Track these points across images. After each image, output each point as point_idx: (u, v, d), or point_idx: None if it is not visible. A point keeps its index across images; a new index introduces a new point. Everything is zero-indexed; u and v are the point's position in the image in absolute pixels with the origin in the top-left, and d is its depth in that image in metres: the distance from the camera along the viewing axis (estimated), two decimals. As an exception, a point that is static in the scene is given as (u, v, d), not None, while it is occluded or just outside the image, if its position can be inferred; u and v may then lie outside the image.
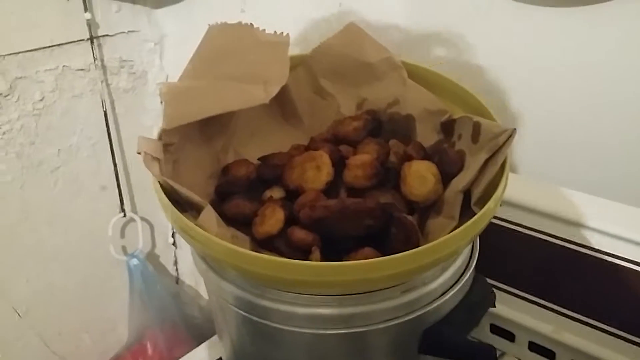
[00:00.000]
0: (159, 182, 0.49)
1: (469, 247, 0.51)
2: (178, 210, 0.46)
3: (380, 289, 0.45)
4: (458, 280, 0.49)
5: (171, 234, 0.99)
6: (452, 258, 0.48)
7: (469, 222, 0.43)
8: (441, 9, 0.75)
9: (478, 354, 0.46)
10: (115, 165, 0.83)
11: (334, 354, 0.48)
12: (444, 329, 0.47)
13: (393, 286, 0.45)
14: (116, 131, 0.83)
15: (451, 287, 0.48)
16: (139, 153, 0.50)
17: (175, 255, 1.01)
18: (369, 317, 0.46)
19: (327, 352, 0.48)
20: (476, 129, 0.52)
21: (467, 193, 0.49)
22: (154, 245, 0.96)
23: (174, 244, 1.00)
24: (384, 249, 0.47)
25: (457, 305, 0.49)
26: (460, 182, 0.49)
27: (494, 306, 0.52)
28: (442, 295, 0.48)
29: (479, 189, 0.47)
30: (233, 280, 0.48)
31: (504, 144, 0.47)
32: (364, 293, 0.45)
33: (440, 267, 0.47)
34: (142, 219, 0.90)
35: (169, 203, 0.47)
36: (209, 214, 0.47)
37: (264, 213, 0.51)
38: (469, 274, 0.50)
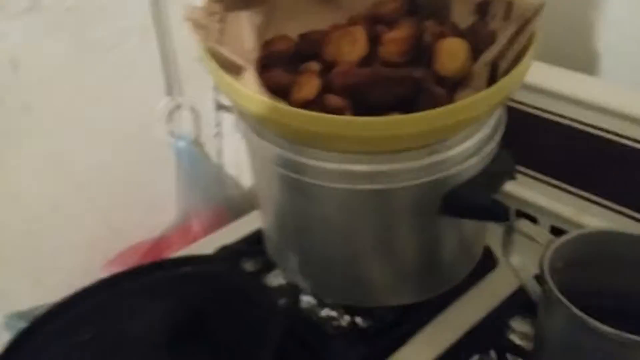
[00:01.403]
0: (205, 46, 0.52)
1: (495, 119, 0.54)
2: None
3: (406, 150, 0.49)
4: (481, 149, 0.52)
5: (215, 123, 1.04)
6: (475, 124, 0.51)
7: (491, 88, 0.46)
8: None
9: (494, 212, 0.50)
10: (162, 49, 0.87)
11: (361, 209, 0.53)
12: (463, 192, 0.51)
13: (418, 148, 0.49)
14: (164, 15, 0.86)
15: (474, 154, 0.52)
16: (186, 20, 0.54)
17: (220, 145, 1.06)
18: (395, 175, 0.50)
19: (356, 207, 0.53)
20: (509, 7, 0.53)
21: (495, 67, 0.52)
22: (199, 133, 1.01)
23: (218, 134, 1.05)
24: (413, 116, 0.50)
25: (478, 173, 0.52)
26: (488, 54, 0.51)
27: (514, 178, 0.55)
28: (464, 161, 0.51)
29: (505, 62, 0.50)
30: (273, 140, 0.53)
31: (531, 17, 0.49)
32: (391, 153, 0.49)
33: (464, 133, 0.50)
34: (190, 106, 0.95)
35: (215, 64, 0.51)
36: (252, 76, 0.51)
37: (300, 81, 0.55)
38: (492, 145, 0.53)
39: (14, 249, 0.87)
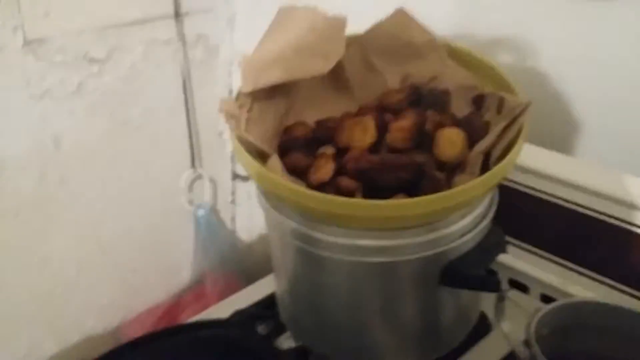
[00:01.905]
0: (236, 135, 0.60)
1: (488, 200, 0.61)
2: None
3: (410, 227, 0.56)
4: (476, 226, 0.59)
5: (231, 192, 1.11)
6: (471, 205, 0.58)
7: (485, 175, 0.54)
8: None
9: (487, 284, 0.56)
10: (189, 126, 0.96)
11: (369, 279, 0.59)
12: (459, 265, 0.57)
13: (420, 225, 0.56)
14: (191, 97, 0.95)
15: (469, 231, 0.58)
16: (221, 111, 0.62)
17: (233, 212, 1.14)
18: (399, 250, 0.56)
19: (364, 277, 0.59)
20: (501, 102, 0.61)
21: (488, 155, 0.59)
22: (216, 201, 1.09)
23: (232, 201, 1.12)
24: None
25: (473, 247, 0.59)
26: (481, 145, 0.59)
27: (505, 251, 0.62)
28: (461, 237, 0.58)
29: (496, 151, 0.57)
30: (291, 217, 0.60)
31: (520, 113, 0.57)
32: (397, 229, 0.56)
33: (461, 213, 0.57)
34: (209, 176, 1.03)
35: (244, 151, 0.58)
36: (275, 161, 0.59)
37: (317, 164, 0.62)
38: (485, 222, 0.60)
39: (40, 309, 0.92)
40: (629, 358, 0.55)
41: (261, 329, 0.74)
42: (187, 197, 1.01)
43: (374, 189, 0.59)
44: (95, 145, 0.88)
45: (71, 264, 0.94)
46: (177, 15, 0.89)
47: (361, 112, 0.70)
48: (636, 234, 0.64)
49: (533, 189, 0.71)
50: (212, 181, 1.07)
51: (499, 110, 0.61)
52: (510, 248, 0.74)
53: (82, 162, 0.88)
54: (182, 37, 0.91)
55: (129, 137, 0.91)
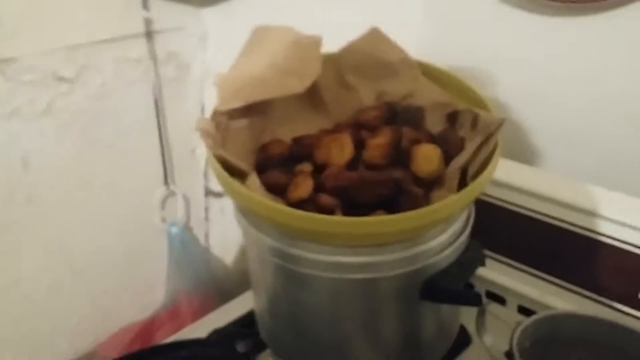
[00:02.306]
0: (213, 153, 0.60)
1: (465, 215, 0.62)
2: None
3: (389, 243, 0.56)
4: (454, 241, 0.60)
5: (204, 209, 1.10)
6: (449, 221, 0.59)
7: (462, 192, 0.54)
8: (453, 18, 0.85)
9: (469, 298, 0.57)
10: (161, 144, 0.95)
11: (349, 296, 0.60)
12: (439, 280, 0.58)
13: (400, 241, 0.56)
14: (162, 115, 0.94)
15: (448, 246, 0.59)
16: (197, 130, 0.61)
17: (207, 229, 1.12)
18: (380, 266, 0.57)
19: (345, 294, 0.59)
20: (475, 119, 0.63)
21: (465, 171, 0.60)
22: (189, 218, 1.07)
23: (206, 218, 1.11)
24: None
25: (452, 262, 0.60)
26: (458, 161, 0.60)
27: (484, 265, 0.63)
28: (440, 252, 0.59)
29: (473, 167, 0.58)
30: (270, 234, 0.60)
31: (495, 130, 0.58)
32: (376, 246, 0.56)
33: (440, 228, 0.58)
34: (182, 193, 1.02)
35: (221, 169, 0.58)
36: (254, 179, 0.58)
37: (296, 181, 0.62)
38: (463, 237, 0.61)
39: (10, 333, 0.90)
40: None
41: (241, 347, 0.73)
42: (160, 215, 1.00)
43: (353, 205, 0.60)
44: (65, 165, 0.86)
45: (41, 286, 0.92)
46: (148, 33, 0.88)
47: (337, 129, 0.70)
48: (607, 244, 0.66)
49: (508, 202, 0.73)
50: (185, 198, 1.06)
51: (473, 126, 0.63)
52: (488, 261, 0.75)
53: (52, 182, 0.86)
54: (153, 55, 0.90)
55: (100, 156, 0.90)
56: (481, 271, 0.74)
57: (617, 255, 0.65)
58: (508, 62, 0.80)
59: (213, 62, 0.99)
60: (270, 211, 0.55)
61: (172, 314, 1.04)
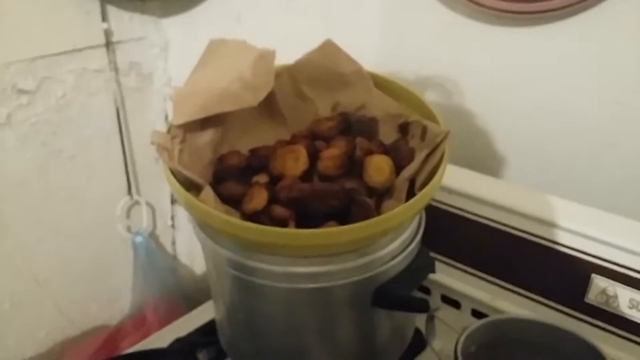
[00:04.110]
0: (168, 167, 0.61)
1: (415, 223, 0.64)
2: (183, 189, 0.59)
3: (341, 253, 0.58)
4: (404, 249, 0.62)
5: (170, 217, 1.11)
6: (399, 230, 0.60)
7: (409, 202, 0.56)
8: (409, 29, 0.87)
9: (416, 305, 0.59)
10: (124, 154, 0.95)
11: (304, 304, 0.61)
12: (390, 287, 0.60)
13: (351, 251, 0.58)
14: (125, 125, 0.95)
15: (398, 254, 0.61)
16: (152, 143, 0.62)
17: (173, 237, 1.13)
18: (332, 276, 0.58)
19: (299, 303, 0.61)
20: (424, 130, 0.65)
21: (413, 181, 0.62)
22: (155, 226, 1.08)
23: (172, 226, 1.12)
24: (346, 225, 0.60)
25: (403, 269, 0.62)
26: (407, 171, 0.62)
27: (434, 271, 0.65)
28: (390, 260, 0.60)
29: (421, 177, 0.60)
30: (226, 246, 0.61)
31: (441, 142, 0.60)
32: (329, 256, 0.58)
33: (390, 237, 0.60)
34: (146, 202, 1.02)
35: (177, 183, 0.59)
36: (208, 192, 0.60)
37: (251, 193, 0.64)
38: (413, 245, 0.63)
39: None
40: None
41: (202, 356, 0.74)
42: (124, 225, 1.01)
43: (307, 216, 0.61)
44: (26, 177, 0.87)
45: (4, 298, 0.91)
46: (108, 44, 0.88)
47: (294, 140, 0.72)
48: (554, 249, 0.68)
49: (462, 209, 0.75)
50: (151, 207, 1.06)
51: (422, 137, 0.64)
52: (443, 266, 0.77)
53: (13, 193, 0.86)
54: (114, 65, 0.90)
55: (62, 167, 0.90)
56: (437, 276, 0.76)
57: (564, 260, 0.67)
58: (459, 71, 0.83)
59: (175, 72, 0.99)
60: (223, 224, 0.56)
61: (138, 323, 1.05)
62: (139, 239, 1.01)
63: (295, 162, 0.66)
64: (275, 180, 0.66)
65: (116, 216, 0.99)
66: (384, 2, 0.85)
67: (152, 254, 1.03)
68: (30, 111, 0.84)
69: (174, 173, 0.61)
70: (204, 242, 0.64)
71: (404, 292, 0.61)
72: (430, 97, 0.69)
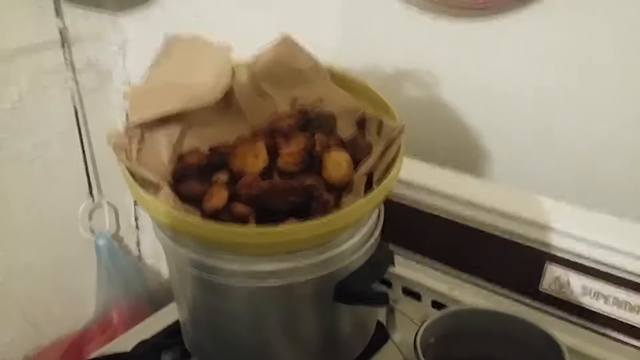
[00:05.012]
0: (126, 166, 0.60)
1: (374, 217, 0.64)
2: (141, 189, 0.58)
3: (302, 249, 0.58)
4: (364, 244, 0.62)
5: (134, 217, 1.10)
6: (358, 225, 0.61)
7: (367, 196, 0.57)
8: (367, 24, 0.88)
9: (376, 298, 0.60)
10: (84, 155, 0.94)
11: (267, 302, 0.61)
12: (350, 282, 0.60)
13: (311, 247, 0.58)
14: (84, 125, 0.94)
15: (358, 249, 0.62)
16: (109, 143, 0.62)
17: (137, 237, 1.12)
18: (293, 272, 0.59)
19: (262, 300, 0.61)
20: (380, 125, 0.65)
21: (371, 175, 0.63)
22: (118, 227, 1.07)
23: (136, 226, 1.11)
24: (306, 220, 0.60)
25: (363, 264, 0.62)
26: (364, 166, 0.62)
27: (393, 265, 0.66)
28: (351, 255, 0.61)
29: (378, 171, 0.61)
30: (186, 245, 0.61)
31: (396, 137, 0.60)
32: (289, 253, 0.58)
33: (349, 232, 0.60)
34: (109, 203, 1.01)
35: (134, 183, 0.59)
36: (166, 192, 0.59)
37: (211, 192, 0.63)
38: (373, 239, 0.63)
39: None
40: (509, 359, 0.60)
41: (166, 357, 0.74)
42: (86, 227, 0.99)
43: (267, 213, 0.61)
44: (-18, 181, 0.85)
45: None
46: (64, 42, 0.87)
47: (253, 137, 0.71)
48: (508, 240, 0.69)
49: (419, 202, 0.76)
50: (113, 207, 1.05)
51: (379, 132, 0.65)
52: (403, 259, 0.78)
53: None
54: (70, 64, 0.89)
55: (20, 170, 0.89)
56: (397, 269, 0.77)
57: (518, 250, 0.69)
58: (416, 64, 0.83)
59: (134, 69, 0.99)
60: (182, 224, 0.56)
61: (104, 326, 1.04)
62: (101, 240, 1.00)
63: (255, 159, 0.66)
64: (235, 177, 0.66)
65: (78, 218, 0.98)
66: (342, -3, 0.85)
67: (116, 256, 1.02)
68: (-17, 114, 0.83)
69: (132, 173, 0.60)
70: (164, 242, 0.63)
71: (364, 286, 0.61)
72: (387, 91, 0.69)
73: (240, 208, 0.61)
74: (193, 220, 0.56)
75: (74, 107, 0.92)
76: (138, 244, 1.13)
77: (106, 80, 0.96)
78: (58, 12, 0.86)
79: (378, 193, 0.58)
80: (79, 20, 0.89)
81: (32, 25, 0.84)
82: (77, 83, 0.92)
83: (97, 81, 0.95)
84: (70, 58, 0.89)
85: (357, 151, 0.66)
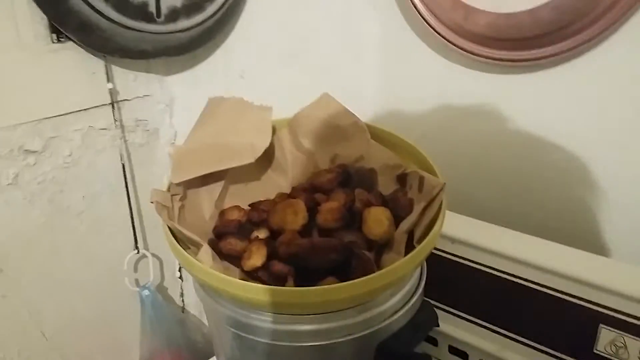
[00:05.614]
0: (167, 225, 0.61)
1: (417, 275, 0.63)
2: (182, 247, 0.59)
3: (341, 309, 0.57)
4: (406, 303, 0.61)
5: (178, 268, 1.11)
6: (399, 284, 0.60)
7: (409, 255, 0.56)
8: (407, 81, 0.88)
9: (418, 360, 0.58)
10: (130, 208, 0.97)
11: (305, 362, 0.60)
12: (393, 343, 0.59)
13: (351, 307, 0.57)
14: (132, 179, 0.96)
15: (400, 308, 0.60)
16: (152, 202, 0.63)
17: (181, 288, 1.13)
18: (333, 332, 0.57)
19: (300, 360, 0.60)
20: (421, 181, 0.64)
21: (412, 233, 0.62)
22: (163, 278, 1.08)
23: (180, 277, 1.12)
24: (346, 279, 0.59)
25: (405, 324, 0.61)
26: (405, 224, 0.61)
27: (438, 326, 0.64)
28: (392, 315, 0.59)
29: (419, 229, 0.60)
30: (226, 304, 0.61)
31: (437, 194, 0.60)
32: (329, 312, 0.57)
33: (390, 291, 0.59)
34: (153, 255, 1.03)
35: (175, 242, 0.59)
36: (206, 251, 0.60)
37: (250, 249, 0.64)
38: (415, 298, 0.62)
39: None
40: None
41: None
42: (131, 279, 1.01)
43: (306, 271, 0.61)
44: (33, 234, 0.88)
45: (13, 354, 0.92)
46: (114, 103, 0.91)
47: (293, 193, 0.72)
48: (562, 299, 0.67)
49: (465, 258, 0.74)
50: (158, 259, 1.07)
51: (420, 188, 0.64)
52: (449, 316, 0.76)
53: (20, 251, 0.87)
54: (120, 123, 0.92)
55: (69, 223, 0.92)
56: (443, 327, 0.75)
57: (570, 310, 0.66)
58: (456, 120, 0.83)
59: (181, 127, 1.01)
60: (220, 283, 0.56)
61: (147, 377, 1.04)
62: (146, 292, 1.01)
63: (294, 217, 0.66)
64: (275, 234, 0.66)
65: (123, 270, 0.99)
66: (383, 54, 0.86)
67: (160, 307, 1.03)
68: (38, 170, 0.86)
69: (173, 232, 0.61)
70: (204, 300, 0.63)
71: (406, 348, 0.59)
72: (428, 148, 0.69)
73: (279, 266, 0.61)
74: (231, 279, 0.56)
75: (122, 163, 0.94)
76: (182, 295, 1.14)
77: (153, 136, 0.99)
78: (109, 77, 0.89)
79: (421, 251, 0.57)
80: (128, 82, 0.92)
81: (86, 90, 0.88)
82: (125, 141, 0.95)
83: (144, 138, 0.98)
84: (120, 117, 0.93)
85: (398, 208, 0.65)
